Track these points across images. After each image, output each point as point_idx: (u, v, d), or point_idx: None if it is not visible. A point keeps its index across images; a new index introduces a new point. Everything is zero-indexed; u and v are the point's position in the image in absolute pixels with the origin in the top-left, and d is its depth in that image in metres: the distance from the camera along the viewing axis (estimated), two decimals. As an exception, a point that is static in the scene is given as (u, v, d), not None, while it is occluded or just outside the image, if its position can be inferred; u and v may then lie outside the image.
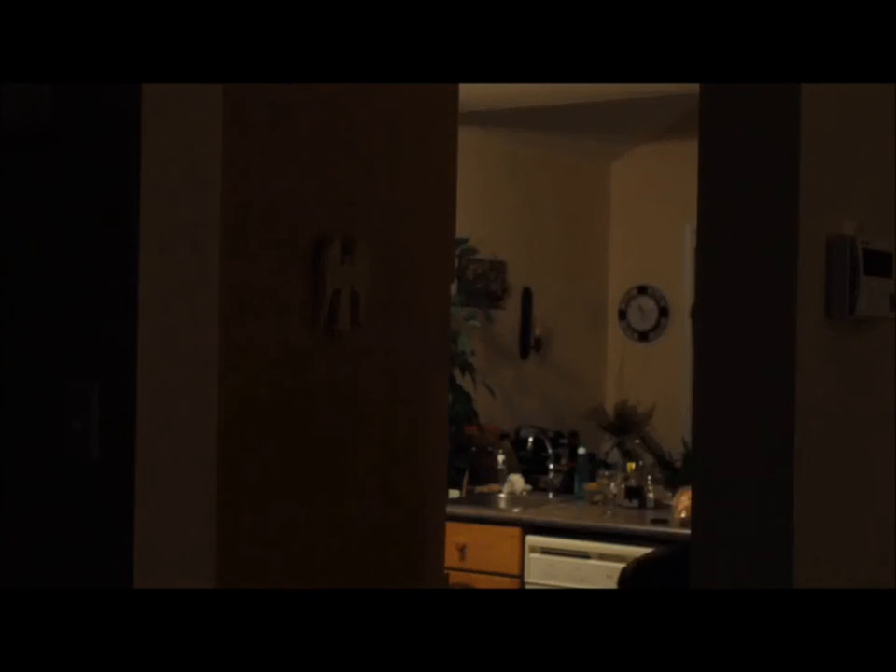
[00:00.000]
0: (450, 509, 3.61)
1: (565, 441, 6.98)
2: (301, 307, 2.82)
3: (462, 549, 5.82)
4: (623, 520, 5.75)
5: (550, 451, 6.85)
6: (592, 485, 6.36)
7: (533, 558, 5.64)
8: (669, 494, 6.09)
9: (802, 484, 2.30)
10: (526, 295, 7.29)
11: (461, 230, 3.53)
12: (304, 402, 2.84)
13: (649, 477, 6.29)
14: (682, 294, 7.39)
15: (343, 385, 2.93)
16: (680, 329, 7.37)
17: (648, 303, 7.65)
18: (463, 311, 6.67)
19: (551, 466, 6.79)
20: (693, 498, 2.44)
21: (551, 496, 6.55)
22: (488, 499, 6.43)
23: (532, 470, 6.80)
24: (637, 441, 6.87)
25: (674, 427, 6.80)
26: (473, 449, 6.73)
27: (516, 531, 5.81)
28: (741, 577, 2.32)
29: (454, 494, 6.32)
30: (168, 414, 2.31)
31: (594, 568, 5.44)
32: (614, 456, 6.90)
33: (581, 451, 6.75)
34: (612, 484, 6.30)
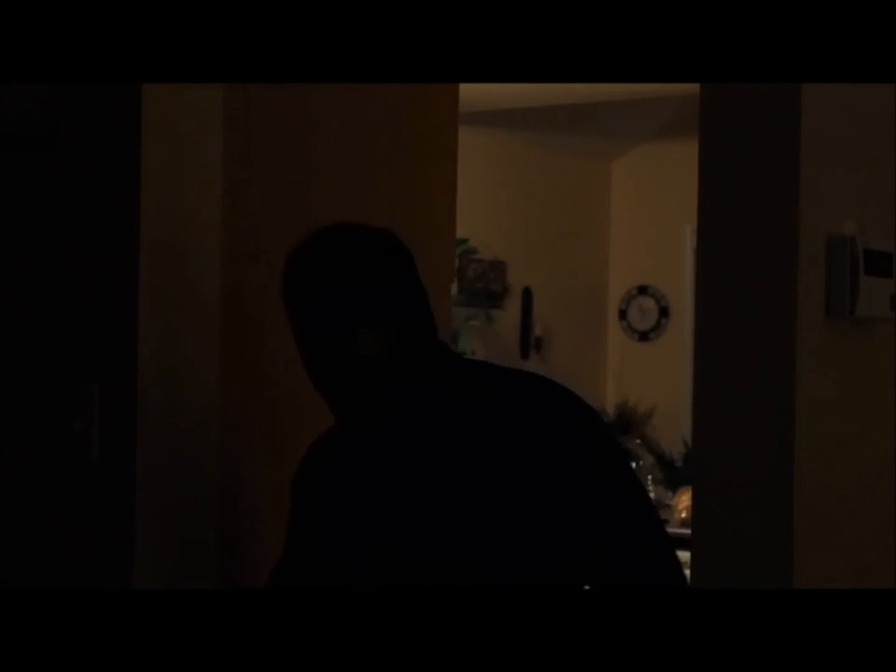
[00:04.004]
0: (450, 509, 3.59)
1: (565, 440, 6.97)
2: (301, 307, 2.82)
3: (462, 549, 5.81)
4: (624, 520, 5.75)
5: (550, 451, 6.85)
6: (592, 485, 6.36)
7: (533, 558, 5.62)
8: (669, 494, 6.09)
9: (802, 484, 2.30)
10: (526, 295, 7.29)
11: (461, 230, 3.52)
12: (304, 402, 2.84)
13: (649, 477, 6.29)
14: (682, 294, 7.39)
15: (344, 385, 2.93)
16: (680, 328, 7.37)
17: (648, 303, 7.65)
18: (463, 311, 6.67)
19: (551, 466, 6.79)
20: (694, 498, 2.44)
21: (551, 495, 6.55)
22: (488, 499, 6.42)
23: (532, 470, 6.80)
24: (638, 441, 6.87)
25: (674, 427, 6.79)
26: (473, 449, 6.72)
27: (516, 531, 5.81)
28: (741, 577, 2.32)
29: (454, 494, 6.31)
30: (168, 414, 2.31)
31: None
32: (614, 456, 6.90)
33: (582, 451, 6.74)
34: (612, 484, 6.30)
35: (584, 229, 7.67)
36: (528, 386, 2.02)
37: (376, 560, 1.98)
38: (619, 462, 2.00)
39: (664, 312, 7.60)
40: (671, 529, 6.06)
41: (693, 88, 2.42)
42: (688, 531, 2.52)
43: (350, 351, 1.97)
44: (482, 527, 1.92)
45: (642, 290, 7.65)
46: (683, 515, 5.52)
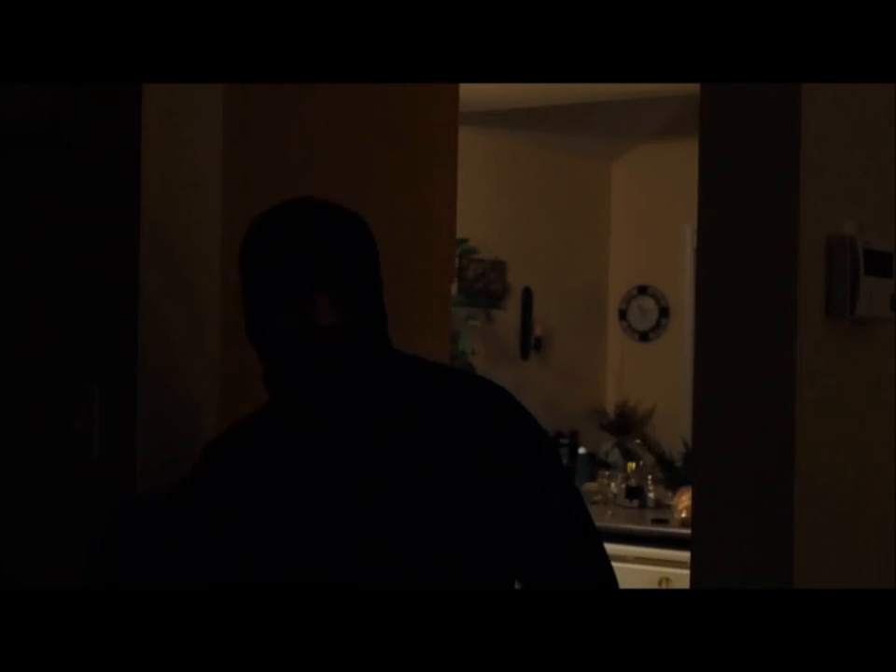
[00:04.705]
0: (450, 509, 3.59)
1: (565, 440, 6.98)
2: (301, 307, 2.82)
3: (462, 549, 5.81)
4: (624, 520, 5.75)
5: (550, 451, 6.84)
6: (592, 485, 6.36)
7: (533, 558, 5.62)
8: (669, 494, 6.09)
9: (802, 485, 2.30)
10: (526, 295, 7.29)
11: (461, 230, 3.53)
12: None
13: (649, 477, 6.29)
14: (682, 294, 7.39)
15: (343, 385, 2.93)
16: (680, 328, 7.37)
17: (648, 303, 7.64)
18: (463, 311, 6.67)
19: (551, 466, 6.78)
20: (694, 498, 2.44)
21: (551, 496, 6.54)
22: (488, 499, 6.41)
23: (532, 470, 6.79)
24: (637, 441, 6.87)
25: (674, 427, 6.79)
26: (473, 449, 6.71)
27: (516, 531, 5.80)
28: (741, 577, 2.32)
29: (454, 494, 6.30)
30: (168, 414, 2.31)
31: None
32: (614, 456, 6.90)
33: (581, 451, 6.75)
34: (612, 484, 6.30)
35: (584, 228, 7.67)
36: (468, 386, 2.01)
37: (297, 551, 1.94)
38: (553, 465, 2.00)
39: (664, 312, 7.59)
40: (671, 529, 6.03)
41: (693, 88, 2.42)
42: (688, 531, 2.52)
43: (307, 315, 1.93)
44: (412, 524, 1.90)
45: (642, 290, 7.65)
46: (683, 515, 5.52)
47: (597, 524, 2.07)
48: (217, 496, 2.00)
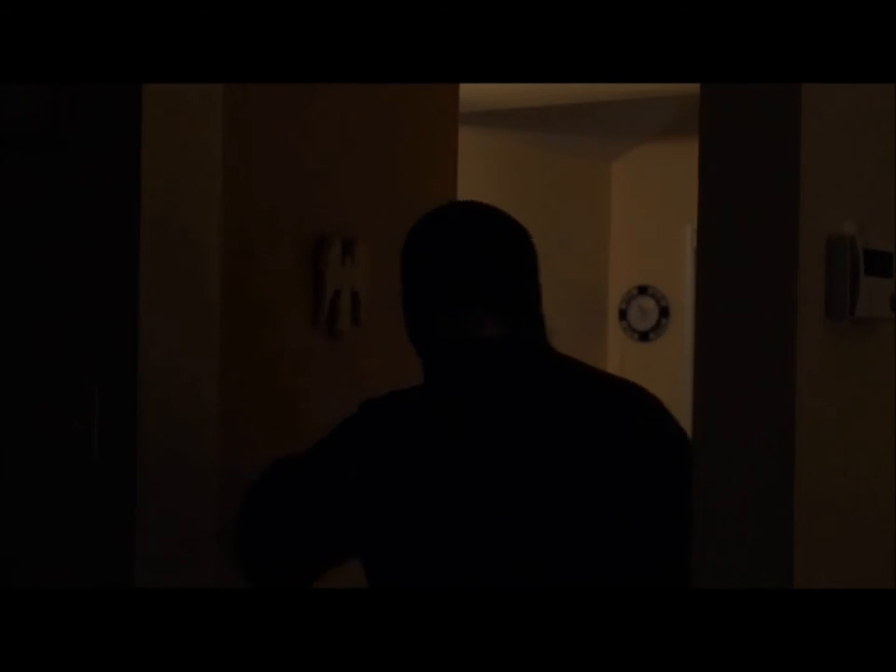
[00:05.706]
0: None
1: (565, 440, 6.97)
2: (301, 307, 2.82)
3: (462, 549, 5.80)
4: (624, 520, 5.74)
5: (550, 451, 6.83)
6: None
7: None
8: (669, 494, 6.08)
9: (802, 484, 2.30)
10: (526, 295, 7.29)
11: (461, 230, 3.52)
12: (304, 402, 2.84)
13: (649, 477, 6.28)
14: (682, 294, 7.39)
15: (344, 385, 2.93)
16: (680, 328, 7.37)
17: (648, 303, 7.64)
18: (463, 311, 6.66)
19: (551, 466, 6.77)
20: (694, 498, 2.44)
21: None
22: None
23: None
24: (638, 441, 6.86)
25: (674, 427, 6.79)
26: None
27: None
28: (741, 577, 2.32)
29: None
30: (168, 414, 2.31)
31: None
32: (614, 456, 6.89)
33: (582, 451, 6.74)
34: (612, 484, 6.29)
35: (584, 229, 7.67)
36: (622, 392, 2.04)
37: (430, 539, 1.98)
38: (684, 491, 2.02)
39: (664, 312, 7.59)
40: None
41: (693, 88, 2.41)
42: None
43: (473, 328, 2.04)
44: (542, 527, 1.94)
45: (642, 290, 7.65)
46: (683, 515, 5.51)
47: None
48: (374, 456, 2.07)
